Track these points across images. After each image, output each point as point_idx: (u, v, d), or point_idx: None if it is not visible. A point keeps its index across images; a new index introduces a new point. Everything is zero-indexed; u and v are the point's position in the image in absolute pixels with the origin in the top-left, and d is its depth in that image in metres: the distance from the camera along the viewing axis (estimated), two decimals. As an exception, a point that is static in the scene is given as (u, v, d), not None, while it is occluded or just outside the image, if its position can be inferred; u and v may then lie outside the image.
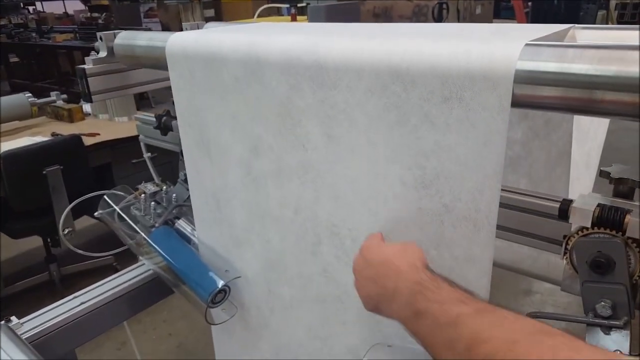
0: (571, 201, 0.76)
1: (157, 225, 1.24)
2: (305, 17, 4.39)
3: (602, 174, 0.80)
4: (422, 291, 0.61)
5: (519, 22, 6.72)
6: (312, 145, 0.84)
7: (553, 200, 0.81)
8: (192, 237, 1.22)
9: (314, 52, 0.78)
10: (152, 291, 1.25)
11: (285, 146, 0.88)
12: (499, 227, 0.68)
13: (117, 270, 1.27)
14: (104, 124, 3.08)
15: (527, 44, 0.61)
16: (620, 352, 0.66)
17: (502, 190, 0.66)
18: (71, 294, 1.17)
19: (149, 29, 4.54)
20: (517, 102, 0.61)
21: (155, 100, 3.40)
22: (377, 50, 0.71)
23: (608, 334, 0.69)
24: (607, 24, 7.90)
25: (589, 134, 1.12)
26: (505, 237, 0.87)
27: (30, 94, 2.98)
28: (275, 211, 0.95)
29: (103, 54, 1.27)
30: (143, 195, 1.31)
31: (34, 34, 7.16)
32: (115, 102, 3.06)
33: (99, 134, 2.83)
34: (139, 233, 1.25)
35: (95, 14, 7.93)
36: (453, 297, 0.59)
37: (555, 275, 0.86)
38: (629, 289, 0.69)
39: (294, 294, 1.00)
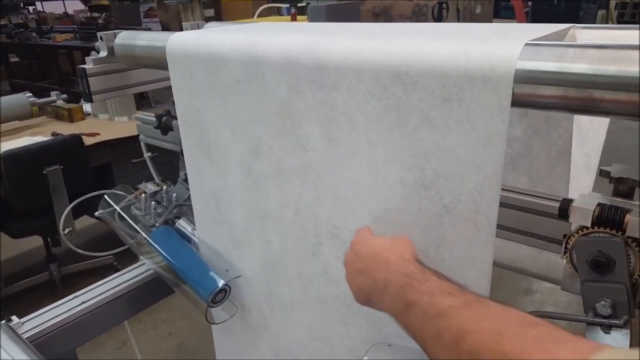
0: (571, 200, 0.76)
1: (157, 224, 1.24)
2: (305, 16, 4.39)
3: (602, 173, 0.80)
4: (412, 283, 0.62)
5: (519, 21, 6.72)
6: (312, 146, 0.84)
7: (553, 199, 0.81)
8: (192, 236, 1.22)
9: (314, 52, 0.78)
10: (153, 291, 1.25)
11: (286, 147, 0.88)
12: (499, 226, 0.68)
13: (117, 270, 1.27)
14: (104, 124, 3.08)
15: (527, 44, 0.61)
16: None
17: (502, 189, 0.66)
18: (72, 294, 1.17)
19: (149, 29, 4.54)
20: (517, 102, 0.61)
21: (155, 100, 3.40)
22: (377, 50, 0.71)
23: (608, 333, 0.69)
24: (607, 23, 7.90)
25: (589, 135, 1.12)
26: (505, 236, 0.87)
27: (30, 94, 2.99)
28: (276, 212, 0.95)
29: (103, 53, 1.27)
30: (143, 194, 1.31)
31: (34, 34, 7.15)
32: (115, 102, 3.06)
33: (99, 134, 2.83)
34: (140, 233, 1.25)
35: (95, 14, 7.93)
36: (442, 289, 0.60)
37: (555, 275, 0.87)
38: (629, 288, 0.69)
39: (294, 294, 1.00)
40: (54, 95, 3.16)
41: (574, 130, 1.03)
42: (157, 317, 2.75)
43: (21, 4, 10.29)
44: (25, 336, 1.03)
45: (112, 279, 1.23)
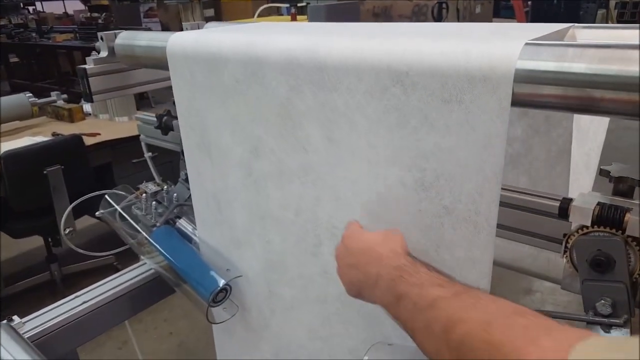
0: (571, 200, 0.76)
1: (158, 224, 1.24)
2: (305, 16, 4.38)
3: (601, 172, 0.80)
4: (403, 275, 0.62)
5: (519, 21, 6.71)
6: (312, 147, 0.84)
7: (553, 198, 0.81)
8: (193, 236, 1.22)
9: (314, 52, 0.78)
10: (153, 290, 1.25)
11: (286, 148, 0.88)
12: (499, 225, 0.68)
13: (118, 270, 1.27)
14: (104, 124, 3.08)
15: (527, 44, 0.61)
16: None
17: (502, 188, 0.66)
18: (72, 294, 1.17)
19: (149, 29, 4.55)
20: (517, 102, 0.61)
21: (155, 100, 3.40)
22: (377, 50, 0.71)
23: (608, 332, 0.69)
24: (607, 23, 7.89)
25: (589, 134, 1.13)
26: (505, 235, 0.87)
27: (30, 94, 2.99)
28: (276, 212, 0.95)
29: (104, 54, 1.27)
30: (144, 194, 1.31)
31: (34, 34, 7.16)
32: (116, 102, 3.06)
33: (99, 134, 2.83)
34: (140, 232, 1.26)
35: (95, 14, 7.93)
36: (431, 281, 0.60)
37: (555, 274, 0.87)
38: (629, 287, 0.69)
39: (295, 294, 1.00)
40: (54, 96, 3.16)
41: (574, 130, 1.03)
42: (158, 317, 2.75)
43: (21, 4, 10.29)
44: (26, 336, 1.03)
45: (112, 279, 1.23)
